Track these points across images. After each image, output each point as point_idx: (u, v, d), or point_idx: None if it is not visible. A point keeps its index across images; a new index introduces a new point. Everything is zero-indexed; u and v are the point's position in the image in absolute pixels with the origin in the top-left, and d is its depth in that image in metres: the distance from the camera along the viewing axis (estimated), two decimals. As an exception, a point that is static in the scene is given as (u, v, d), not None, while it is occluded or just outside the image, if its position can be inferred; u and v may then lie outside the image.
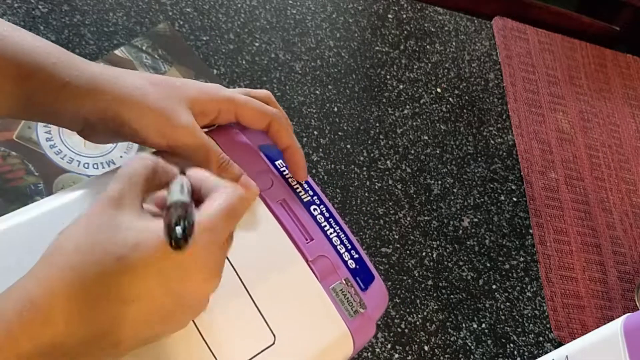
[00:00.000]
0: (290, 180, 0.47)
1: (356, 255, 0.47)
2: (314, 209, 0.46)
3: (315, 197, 0.47)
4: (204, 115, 0.42)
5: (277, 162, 0.47)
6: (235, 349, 0.38)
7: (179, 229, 0.29)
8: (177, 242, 0.28)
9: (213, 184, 0.34)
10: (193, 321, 0.37)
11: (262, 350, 0.39)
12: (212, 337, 0.38)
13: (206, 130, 0.43)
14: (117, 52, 0.64)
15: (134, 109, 0.38)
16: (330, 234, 0.46)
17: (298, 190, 0.47)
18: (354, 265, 0.46)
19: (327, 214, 0.47)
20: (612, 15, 1.06)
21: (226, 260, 0.39)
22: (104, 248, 0.30)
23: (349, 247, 0.47)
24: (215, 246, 0.32)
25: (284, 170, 0.47)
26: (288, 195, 0.45)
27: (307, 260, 0.43)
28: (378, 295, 0.47)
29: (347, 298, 0.44)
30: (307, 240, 0.44)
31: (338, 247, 0.46)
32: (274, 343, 0.39)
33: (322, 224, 0.46)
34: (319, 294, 0.43)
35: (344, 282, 0.44)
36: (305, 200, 0.46)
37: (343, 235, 0.47)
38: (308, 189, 0.47)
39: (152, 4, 0.68)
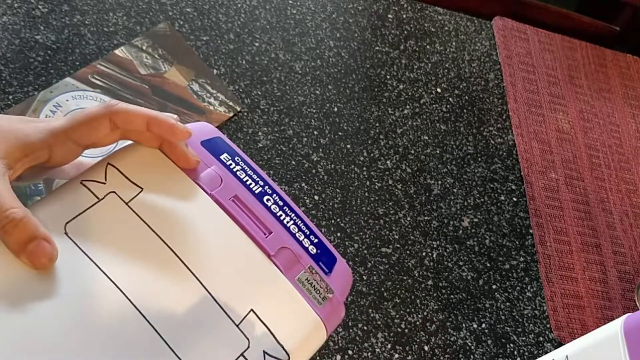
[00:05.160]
0: (239, 173, 0.46)
1: (315, 240, 0.46)
2: (267, 200, 0.46)
3: (266, 187, 0.46)
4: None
5: (222, 156, 0.46)
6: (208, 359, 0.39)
7: None
8: None
9: None
10: (164, 340, 0.37)
11: (239, 356, 0.39)
12: (183, 351, 0.37)
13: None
14: (117, 52, 0.64)
15: None
16: (287, 222, 0.45)
17: (248, 183, 0.46)
18: (315, 251, 0.46)
19: (280, 203, 0.46)
20: (612, 15, 1.06)
21: (189, 272, 0.39)
22: None
23: (307, 233, 0.46)
24: None
25: (231, 164, 0.46)
26: (239, 189, 0.44)
27: (269, 256, 0.43)
28: (343, 276, 0.47)
29: (314, 286, 0.44)
30: (265, 234, 0.43)
31: (297, 235, 0.45)
32: (248, 347, 0.40)
33: (278, 214, 0.45)
34: (286, 288, 0.42)
35: (308, 270, 0.44)
36: (256, 192, 0.46)
37: (300, 222, 0.46)
38: (257, 179, 0.47)
39: (152, 4, 0.68)
